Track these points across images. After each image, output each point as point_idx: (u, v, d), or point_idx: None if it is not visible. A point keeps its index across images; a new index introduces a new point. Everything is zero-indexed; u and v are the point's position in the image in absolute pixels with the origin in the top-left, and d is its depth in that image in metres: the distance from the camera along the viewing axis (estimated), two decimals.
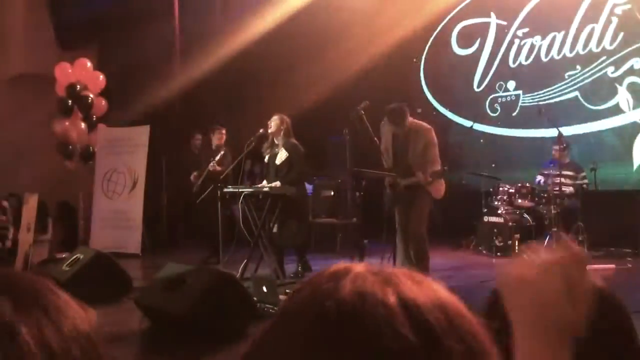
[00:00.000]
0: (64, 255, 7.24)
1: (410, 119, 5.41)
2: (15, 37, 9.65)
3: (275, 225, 6.04)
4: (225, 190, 6.14)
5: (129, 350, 3.83)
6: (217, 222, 6.31)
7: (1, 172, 9.65)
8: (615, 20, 7.77)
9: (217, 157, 6.97)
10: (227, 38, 9.55)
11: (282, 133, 6.10)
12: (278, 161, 6.11)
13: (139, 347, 3.93)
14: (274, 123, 6.11)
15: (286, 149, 6.09)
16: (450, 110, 9.56)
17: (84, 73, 8.99)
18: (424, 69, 10.03)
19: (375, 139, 5.05)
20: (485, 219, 7.63)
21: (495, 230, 7.41)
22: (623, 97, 7.66)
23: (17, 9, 9.53)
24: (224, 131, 7.42)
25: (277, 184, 6.00)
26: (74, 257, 5.47)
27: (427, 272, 5.24)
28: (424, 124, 5.49)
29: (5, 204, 8.32)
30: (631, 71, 7.59)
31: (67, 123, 8.89)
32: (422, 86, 10.00)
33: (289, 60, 9.77)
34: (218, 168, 6.97)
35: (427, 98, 9.81)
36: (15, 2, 9.52)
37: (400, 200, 5.34)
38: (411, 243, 5.33)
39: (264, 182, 6.22)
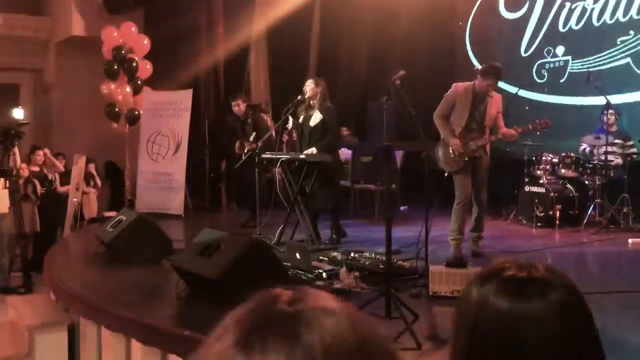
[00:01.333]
0: (111, 214, 7.53)
1: None
2: (65, 1, 9.83)
3: (307, 190, 6.08)
4: (263, 156, 6.20)
5: (164, 311, 3.97)
6: (255, 187, 6.39)
7: (52, 132, 9.99)
8: None
9: (252, 136, 6.97)
10: (269, 3, 9.49)
11: (318, 96, 6.10)
12: (312, 123, 6.12)
13: (174, 309, 4.06)
14: (309, 87, 6.12)
15: (321, 112, 6.09)
16: None
17: (129, 36, 9.11)
18: (470, 32, 9.74)
19: (411, 109, 4.94)
20: (527, 188, 7.48)
21: (536, 200, 7.26)
22: None
23: None
24: (239, 103, 7.40)
25: (313, 150, 6.01)
26: (118, 218, 5.64)
27: (482, 235, 5.67)
28: (497, 93, 5.67)
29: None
30: None
31: (113, 86, 9.07)
32: (467, 50, 9.73)
33: (335, 24, 9.67)
34: (253, 146, 6.94)
35: (472, 62, 9.54)
36: None
37: (466, 167, 5.51)
38: (477, 203, 5.58)
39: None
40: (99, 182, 9.00)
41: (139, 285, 4.57)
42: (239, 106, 7.43)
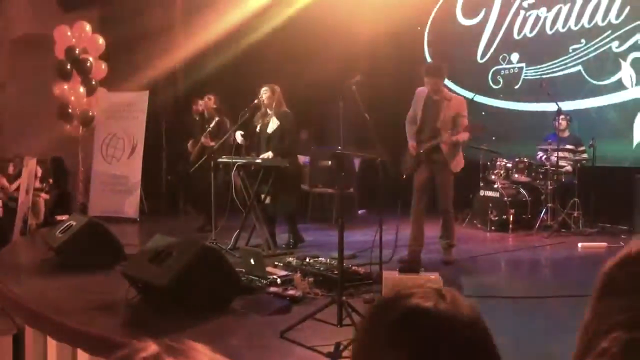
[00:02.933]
0: (63, 218, 7.33)
1: (444, 89, 5.49)
2: None
3: (263, 195, 6.05)
4: (219, 160, 6.13)
5: (113, 320, 3.86)
6: (210, 191, 6.31)
7: (3, 134, 9.68)
8: None
9: (209, 128, 6.93)
10: (229, 6, 9.41)
11: (273, 103, 6.08)
12: (269, 130, 6.10)
13: (123, 317, 3.96)
14: (265, 94, 6.10)
15: (277, 118, 6.06)
16: (452, 81, 9.37)
17: (83, 36, 8.89)
18: (427, 38, 9.85)
19: (367, 115, 4.95)
20: (482, 193, 7.60)
21: (490, 204, 7.38)
22: (626, 72, 7.50)
23: None
24: (211, 98, 7.34)
25: (270, 154, 5.98)
26: (67, 223, 5.50)
27: (454, 239, 5.59)
28: (459, 96, 5.67)
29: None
30: (636, 47, 7.40)
31: (65, 86, 8.84)
32: (425, 55, 9.83)
33: (291, 29, 9.63)
34: (211, 143, 6.94)
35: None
36: None
37: (420, 173, 5.50)
38: (440, 213, 5.57)
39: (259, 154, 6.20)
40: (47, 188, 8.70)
41: (88, 292, 4.44)
42: (210, 100, 7.30)
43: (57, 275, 4.97)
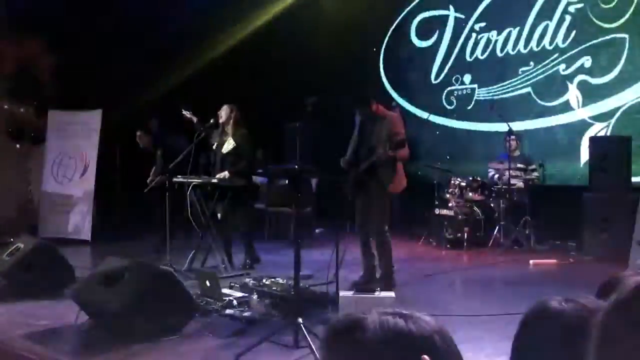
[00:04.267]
0: (10, 240, 7.07)
1: (380, 107, 5.37)
2: None
3: (219, 215, 6.02)
4: (174, 180, 6.05)
5: (63, 346, 3.75)
6: (165, 211, 6.21)
7: None
8: (568, 18, 7.86)
9: (152, 171, 6.79)
10: (185, 20, 9.38)
11: (231, 122, 6.08)
12: (224, 150, 6.09)
13: (73, 343, 3.84)
14: (224, 112, 6.10)
15: (234, 139, 6.06)
16: (407, 101, 9.58)
17: (35, 53, 8.70)
18: (383, 58, 10.02)
19: (318, 134, 4.99)
20: (437, 211, 7.70)
21: (445, 222, 7.49)
22: (573, 94, 7.78)
23: None
24: (141, 136, 7.25)
25: (226, 174, 5.94)
26: (15, 246, 5.31)
27: (390, 265, 5.26)
28: (392, 112, 5.47)
29: None
30: (582, 69, 7.70)
31: (17, 104, 8.61)
32: (380, 75, 9.99)
33: (250, 47, 9.67)
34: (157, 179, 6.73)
35: (385, 87, 9.81)
36: None
37: (360, 194, 5.33)
38: (373, 239, 5.34)
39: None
40: None
41: (37, 318, 4.30)
42: (142, 139, 7.21)
43: (5, 301, 4.77)
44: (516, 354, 1.10)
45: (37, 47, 8.68)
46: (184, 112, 6.26)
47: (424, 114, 9.22)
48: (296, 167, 4.75)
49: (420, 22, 9.57)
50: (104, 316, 3.86)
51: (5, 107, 8.60)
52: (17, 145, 8.83)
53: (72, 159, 8.53)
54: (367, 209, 5.29)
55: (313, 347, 3.31)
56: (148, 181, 6.79)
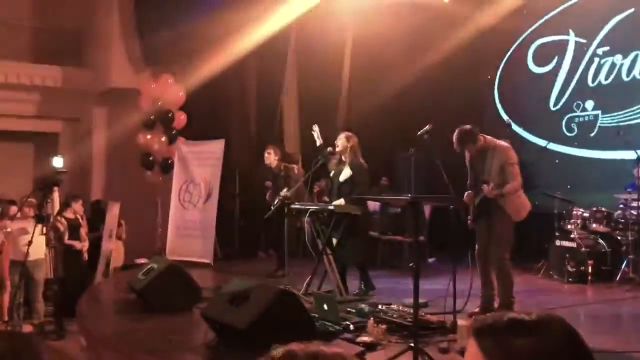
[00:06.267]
0: (142, 261, 7.65)
1: (487, 138, 5.34)
2: (108, 53, 10.28)
3: (335, 241, 6.15)
4: (292, 207, 6.31)
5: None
6: (283, 237, 6.48)
7: (89, 179, 10.29)
8: None
9: (284, 191, 7.01)
10: (300, 54, 9.81)
11: (348, 151, 6.23)
12: (341, 178, 6.24)
13: (204, 357, 4.11)
14: (340, 141, 6.26)
15: (351, 168, 6.20)
16: (524, 129, 9.35)
17: (166, 88, 9.45)
18: (498, 86, 9.89)
19: (438, 162, 5.02)
20: (558, 242, 7.42)
21: (567, 255, 7.19)
22: None
23: (110, 30, 10.14)
24: (270, 151, 7.61)
25: (342, 201, 6.11)
26: (149, 266, 5.77)
27: (509, 295, 5.19)
28: (502, 142, 5.37)
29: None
30: None
31: (149, 136, 9.37)
32: (495, 103, 9.85)
33: (365, 76, 9.91)
34: (287, 194, 7.02)
35: (500, 115, 9.64)
36: (110, 26, 10.13)
37: (480, 221, 5.32)
38: (492, 266, 5.29)
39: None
40: (123, 232, 8.93)
41: (170, 333, 4.64)
42: (270, 155, 7.61)
43: (140, 316, 5.20)
44: None
45: (169, 80, 9.43)
46: (314, 129, 6.47)
47: (542, 142, 8.96)
48: (410, 195, 4.85)
49: (537, 47, 9.37)
50: (231, 334, 4.11)
51: (140, 137, 9.35)
52: (148, 173, 9.54)
53: (197, 185, 9.12)
54: (487, 235, 5.25)
55: None
56: (274, 203, 7.01)
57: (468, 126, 5.31)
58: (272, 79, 10.15)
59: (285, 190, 6.87)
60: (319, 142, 6.44)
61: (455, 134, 5.27)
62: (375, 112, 9.59)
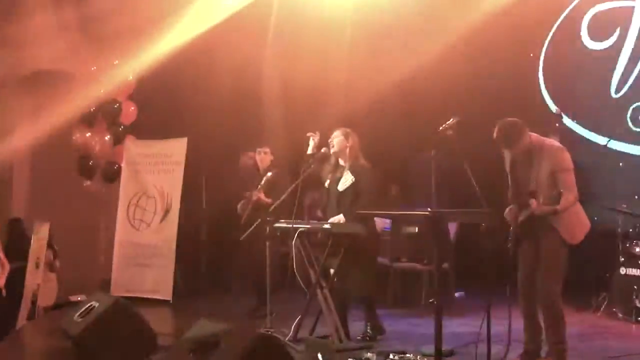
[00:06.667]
0: (78, 298, 7.60)
1: (534, 136, 5.27)
2: (31, 25, 10.22)
3: (332, 270, 6.13)
4: (276, 225, 6.27)
5: None
6: (265, 265, 6.45)
7: (7, 191, 10.19)
8: None
9: (262, 182, 7.14)
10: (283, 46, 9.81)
11: (347, 152, 6.22)
12: (341, 187, 6.22)
13: None
14: (336, 140, 6.25)
15: (353, 173, 6.18)
16: (577, 122, 9.37)
17: (111, 72, 9.41)
18: (543, 67, 9.91)
19: (466, 166, 5.00)
20: (623, 270, 7.42)
21: (636, 286, 7.19)
22: None
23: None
24: (267, 150, 7.69)
25: (341, 218, 6.09)
26: (89, 305, 5.71)
27: (561, 341, 5.15)
28: (552, 141, 5.34)
29: None
30: None
31: (89, 134, 9.32)
32: (540, 89, 9.87)
33: (368, 51, 9.90)
34: (265, 199, 7.16)
35: (546, 105, 9.66)
36: None
37: (523, 244, 5.30)
38: (540, 302, 5.28)
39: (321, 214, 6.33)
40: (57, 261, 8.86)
41: None
42: (265, 154, 7.65)
43: None
44: None
45: (115, 62, 9.39)
46: (313, 137, 6.46)
47: (601, 139, 8.98)
48: (429, 209, 4.84)
49: (594, 18, 9.39)
50: None
51: (77, 136, 9.29)
52: (88, 182, 9.49)
53: (151, 198, 9.10)
54: (533, 263, 5.23)
55: None
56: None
57: (513, 119, 5.27)
58: (249, 61, 10.13)
59: (258, 190, 6.92)
60: (310, 150, 6.43)
61: (497, 129, 5.20)
62: (379, 102, 9.56)
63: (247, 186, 7.76)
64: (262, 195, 7.36)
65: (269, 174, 7.42)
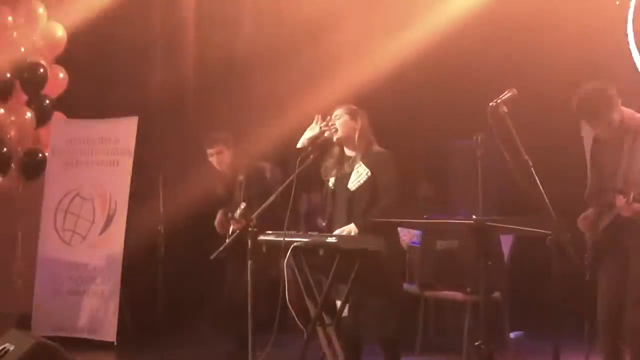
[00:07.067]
0: None
1: (627, 112, 5.32)
2: None
3: (339, 302, 6.08)
4: (262, 238, 6.21)
5: None
6: (246, 293, 6.40)
7: None
8: None
9: (237, 212, 6.93)
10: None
11: (356, 138, 6.20)
12: (352, 185, 6.18)
13: None
14: (340, 122, 6.18)
15: (367, 165, 6.14)
16: None
17: (32, 25, 9.39)
18: (634, 17, 9.89)
19: (526, 157, 4.94)
20: None
21: None
22: None
23: None
24: (222, 150, 7.65)
25: (352, 228, 6.05)
26: (2, 347, 5.69)
27: None
28: None
29: None
30: None
31: (1, 110, 9.29)
32: (629, 47, 9.85)
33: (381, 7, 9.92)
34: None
35: (634, 64, 9.64)
36: None
37: (606, 261, 5.36)
38: (627, 341, 5.33)
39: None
40: None
41: None
42: (220, 155, 7.59)
43: None
44: None
45: (39, 10, 9.35)
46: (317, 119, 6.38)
47: None
48: (474, 216, 4.81)
49: None
50: None
51: None
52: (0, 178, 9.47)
53: (87, 200, 9.06)
54: (620, 286, 5.27)
55: None
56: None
57: (601, 83, 5.26)
58: (222, 17, 10.11)
59: (239, 209, 6.82)
60: (301, 143, 6.35)
61: (580, 96, 5.24)
62: (400, 69, 9.53)
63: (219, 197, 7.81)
64: (239, 224, 7.19)
65: (241, 177, 7.36)
